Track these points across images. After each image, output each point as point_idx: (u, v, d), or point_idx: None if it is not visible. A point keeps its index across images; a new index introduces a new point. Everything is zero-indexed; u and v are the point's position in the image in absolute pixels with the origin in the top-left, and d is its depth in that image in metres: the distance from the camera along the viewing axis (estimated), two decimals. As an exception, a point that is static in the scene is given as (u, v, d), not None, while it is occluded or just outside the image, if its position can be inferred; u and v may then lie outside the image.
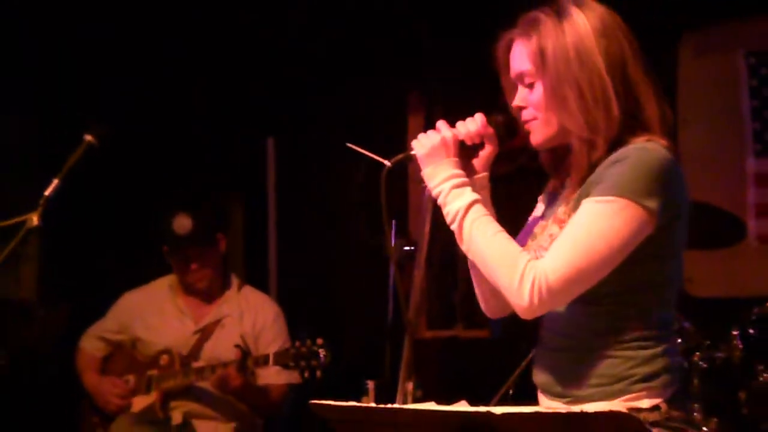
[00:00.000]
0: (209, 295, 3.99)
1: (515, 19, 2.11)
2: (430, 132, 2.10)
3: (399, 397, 2.00)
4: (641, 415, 1.92)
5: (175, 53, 5.05)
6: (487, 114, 2.12)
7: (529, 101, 2.07)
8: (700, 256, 4.42)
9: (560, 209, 2.09)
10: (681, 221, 2.02)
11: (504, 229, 2.03)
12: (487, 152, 2.13)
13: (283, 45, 5.09)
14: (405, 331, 2.07)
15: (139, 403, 3.87)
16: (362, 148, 2.41)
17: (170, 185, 4.97)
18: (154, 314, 3.98)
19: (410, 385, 2.01)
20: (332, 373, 3.57)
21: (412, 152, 2.10)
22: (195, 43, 5.05)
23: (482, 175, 2.13)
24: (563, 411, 1.66)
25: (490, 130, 2.11)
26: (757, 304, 3.56)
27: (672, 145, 2.01)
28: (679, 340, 3.52)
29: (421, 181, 2.10)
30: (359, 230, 4.93)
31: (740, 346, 3.50)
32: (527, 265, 1.94)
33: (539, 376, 2.13)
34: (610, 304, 1.99)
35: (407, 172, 4.35)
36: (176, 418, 3.82)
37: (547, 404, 2.08)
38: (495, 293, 2.15)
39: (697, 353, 3.54)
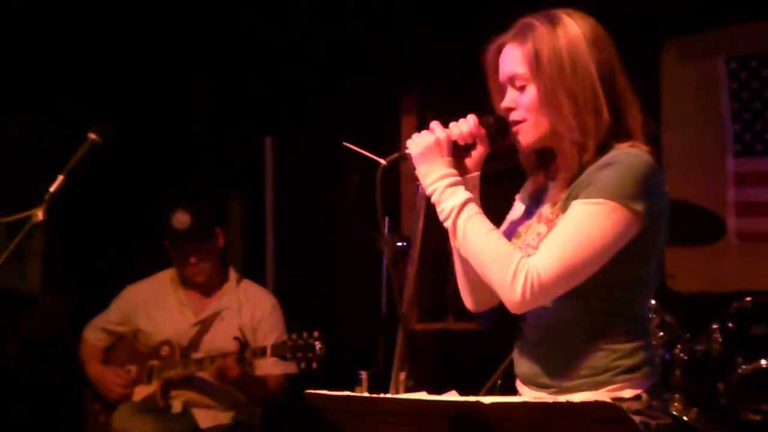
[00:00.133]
0: (208, 288, 3.99)
1: (506, 24, 2.12)
2: (424, 132, 2.10)
3: (392, 387, 2.00)
4: (624, 405, 1.94)
5: (175, 53, 5.01)
6: (479, 115, 2.13)
7: (520, 103, 2.08)
8: (682, 252, 4.43)
9: (546, 209, 2.10)
10: (662, 223, 2.05)
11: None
12: (478, 152, 2.14)
13: (283, 45, 5.05)
14: (398, 324, 2.08)
15: (141, 392, 3.87)
16: (358, 147, 2.41)
17: (170, 183, 4.97)
18: (156, 306, 3.98)
19: (403, 376, 2.02)
20: (327, 364, 3.58)
21: (407, 151, 2.10)
22: (195, 43, 5.01)
23: (474, 174, 2.14)
24: (550, 401, 1.67)
25: (482, 131, 2.12)
26: (735, 299, 3.57)
27: (653, 150, 2.04)
28: (662, 333, 3.53)
29: (415, 179, 2.10)
30: (355, 226, 4.93)
31: (720, 339, 3.51)
32: (520, 262, 1.96)
33: (523, 368, 2.14)
34: (595, 300, 2.01)
35: (400, 171, 4.38)
36: (176, 407, 3.82)
37: (532, 395, 2.09)
38: (477, 288, 2.18)
39: (679, 346, 3.55)
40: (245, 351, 3.66)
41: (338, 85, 5.11)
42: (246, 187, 5.46)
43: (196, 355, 3.83)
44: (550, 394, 2.04)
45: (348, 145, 2.40)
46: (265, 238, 5.32)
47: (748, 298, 3.55)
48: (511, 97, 2.09)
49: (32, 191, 2.69)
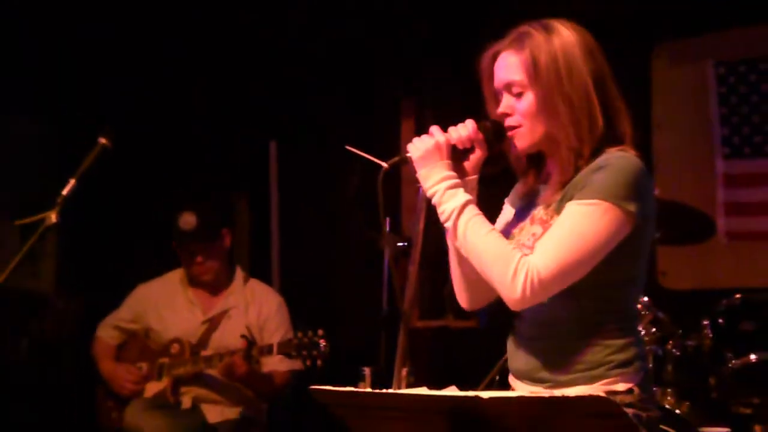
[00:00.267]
0: (216, 287, 3.99)
1: (502, 30, 2.12)
2: (424, 136, 2.11)
3: (394, 382, 2.01)
4: (617, 398, 1.95)
5: (175, 53, 4.96)
6: (477, 120, 2.14)
7: (516, 109, 2.08)
8: (674, 251, 4.44)
9: (540, 211, 2.11)
10: (651, 223, 2.06)
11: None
12: (476, 156, 2.14)
13: (283, 45, 5.00)
14: (399, 322, 2.08)
15: (152, 388, 3.87)
16: (360, 151, 2.42)
17: (177, 185, 4.96)
18: (166, 305, 3.99)
19: (404, 372, 2.02)
20: (331, 361, 3.58)
21: (408, 155, 2.11)
22: (195, 43, 4.94)
23: (472, 177, 2.14)
24: (546, 395, 1.67)
25: (480, 135, 2.12)
26: (725, 296, 3.56)
27: (641, 155, 2.05)
28: (654, 330, 3.53)
29: (415, 182, 2.11)
30: (356, 227, 4.92)
31: (710, 335, 3.51)
32: (520, 261, 1.96)
33: (518, 363, 2.14)
34: (589, 298, 2.02)
35: (401, 174, 4.37)
36: (186, 402, 3.83)
37: (527, 390, 2.09)
38: (471, 287, 2.20)
39: (671, 341, 3.55)
40: (252, 348, 3.67)
41: (339, 88, 5.08)
42: (252, 190, 5.46)
43: (204, 353, 3.83)
44: (546, 388, 2.05)
45: (351, 148, 2.40)
46: (270, 238, 5.31)
47: (738, 295, 3.54)
48: (507, 103, 2.10)
49: (32, 191, 2.68)
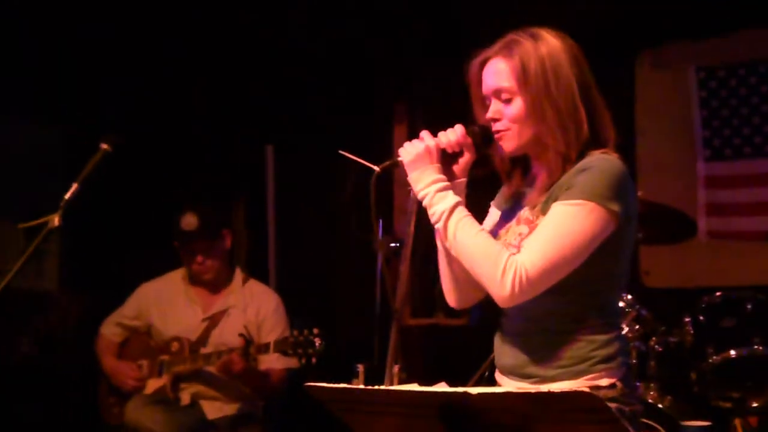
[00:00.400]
0: (216, 285, 3.99)
1: (489, 40, 2.13)
2: (414, 141, 2.12)
3: (386, 379, 2.01)
4: (601, 393, 1.95)
5: (175, 53, 4.91)
6: (465, 125, 2.14)
7: (505, 114, 2.09)
8: (656, 251, 4.45)
9: (525, 212, 2.12)
10: (633, 222, 2.07)
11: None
12: (465, 159, 2.15)
13: (283, 45, 4.96)
14: (391, 320, 2.08)
15: (152, 385, 3.87)
16: (353, 155, 2.42)
17: (179, 188, 4.95)
18: (168, 303, 3.99)
19: (396, 369, 2.02)
20: (327, 358, 3.58)
21: (399, 159, 2.12)
22: (195, 43, 4.89)
23: (461, 180, 2.15)
24: (532, 391, 1.68)
25: (469, 140, 2.13)
26: (706, 294, 3.58)
27: (623, 157, 2.06)
28: (638, 326, 3.54)
29: (407, 184, 2.11)
30: (350, 228, 4.92)
31: (691, 332, 3.52)
32: (508, 260, 1.97)
33: (505, 359, 2.15)
34: (574, 294, 2.03)
35: (392, 177, 4.38)
36: (185, 399, 3.82)
37: (513, 385, 2.10)
38: (460, 286, 2.20)
39: (654, 338, 3.56)
40: (250, 347, 3.67)
41: (337, 90, 5.06)
42: (249, 192, 5.45)
43: (204, 350, 3.82)
44: (532, 383, 2.05)
45: (344, 152, 2.40)
46: (267, 238, 5.31)
47: (718, 293, 3.56)
48: (495, 108, 2.11)
49: (32, 190, 2.66)
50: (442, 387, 1.87)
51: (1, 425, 4.34)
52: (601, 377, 2.02)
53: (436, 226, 2.07)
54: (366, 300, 4.17)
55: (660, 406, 3.32)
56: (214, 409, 3.83)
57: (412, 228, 2.13)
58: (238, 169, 5.34)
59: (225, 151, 5.26)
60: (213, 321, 3.92)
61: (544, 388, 1.90)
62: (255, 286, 4.04)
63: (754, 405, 3.42)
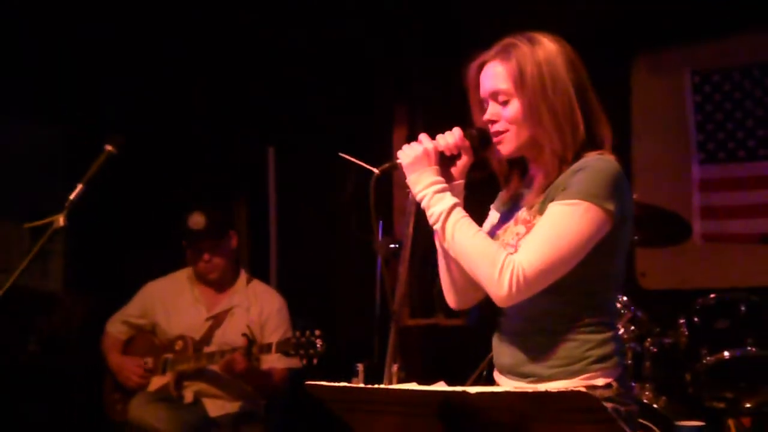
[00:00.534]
0: (221, 285, 3.99)
1: (487, 41, 2.13)
2: (413, 143, 2.12)
3: (385, 378, 2.01)
4: (597, 392, 1.96)
5: (175, 53, 4.88)
6: (463, 128, 2.14)
7: (503, 116, 2.10)
8: (652, 253, 4.45)
9: (523, 212, 2.12)
10: (628, 223, 2.06)
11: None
12: (463, 162, 2.15)
13: (283, 45, 4.94)
14: (391, 320, 2.08)
15: (156, 382, 3.87)
16: (353, 157, 2.41)
17: (180, 188, 4.95)
18: (173, 302, 3.99)
19: (395, 368, 2.02)
20: (326, 357, 3.58)
21: (398, 161, 2.12)
22: (195, 43, 4.86)
23: (459, 182, 2.15)
24: (530, 390, 1.67)
25: (467, 142, 2.14)
26: (700, 296, 3.57)
27: (619, 159, 2.06)
28: (633, 328, 3.53)
29: (405, 186, 2.11)
30: (350, 228, 4.92)
31: (686, 333, 3.52)
32: (506, 260, 1.97)
33: (503, 359, 2.15)
34: (571, 294, 2.02)
35: (392, 179, 4.37)
36: (188, 396, 3.82)
37: (509, 384, 2.10)
38: (459, 287, 2.20)
39: (649, 339, 3.56)
40: (252, 346, 3.66)
41: (337, 90, 5.05)
42: (251, 193, 5.45)
43: (207, 349, 3.82)
44: (529, 383, 2.05)
45: (344, 155, 2.40)
46: (269, 239, 5.31)
47: (712, 295, 3.56)
48: (493, 110, 2.11)
49: (32, 190, 2.65)
50: (440, 386, 1.87)
51: (6, 425, 4.34)
52: (597, 377, 2.01)
53: (434, 228, 2.07)
54: (366, 300, 4.16)
55: (655, 406, 3.31)
56: (217, 407, 3.82)
57: (410, 229, 2.13)
58: (239, 170, 5.33)
59: (225, 151, 5.25)
60: (217, 320, 3.92)
61: (541, 387, 1.89)
62: (259, 287, 4.05)
63: (748, 406, 3.42)
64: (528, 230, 2.04)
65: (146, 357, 3.94)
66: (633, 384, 3.32)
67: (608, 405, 1.86)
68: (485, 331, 2.30)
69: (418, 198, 2.08)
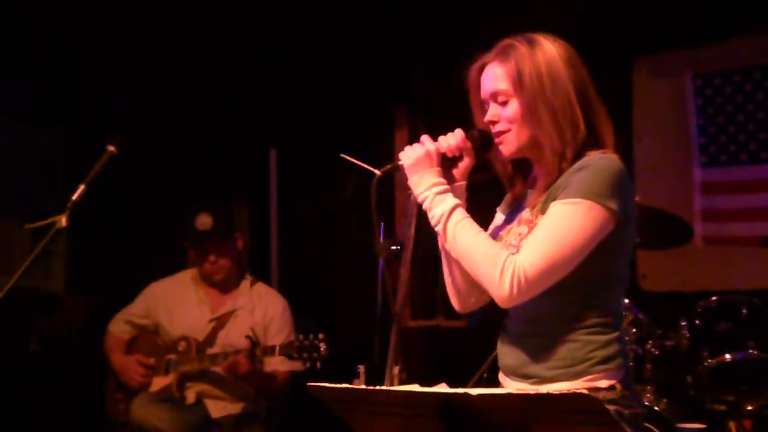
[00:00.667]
0: (225, 286, 3.99)
1: (488, 41, 2.13)
2: (415, 145, 2.12)
3: (387, 379, 2.00)
4: (600, 394, 1.95)
5: (175, 53, 4.87)
6: (465, 129, 2.14)
7: (503, 116, 2.10)
8: (653, 255, 4.44)
9: (526, 213, 2.12)
10: (632, 222, 2.05)
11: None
12: (465, 163, 2.15)
13: (283, 45, 4.93)
14: (392, 321, 2.07)
15: (158, 383, 3.87)
16: (355, 158, 2.41)
17: (181, 189, 4.95)
18: (176, 303, 3.99)
19: (396, 369, 2.01)
20: (327, 358, 3.57)
21: (400, 163, 2.12)
22: (195, 43, 4.85)
23: (460, 183, 2.15)
24: (532, 392, 1.67)
25: (468, 144, 2.13)
26: (702, 298, 3.57)
27: (622, 158, 2.05)
28: (634, 330, 3.53)
29: (407, 188, 2.11)
30: (351, 229, 4.91)
31: (687, 335, 3.51)
32: (507, 260, 1.96)
33: (506, 360, 2.14)
34: (574, 294, 2.01)
35: (394, 180, 4.37)
36: (190, 397, 3.82)
37: (513, 386, 2.09)
38: (463, 291, 2.19)
39: (650, 341, 3.55)
40: (256, 349, 3.66)
41: (338, 91, 5.05)
42: (252, 194, 5.44)
43: (210, 351, 3.82)
44: (532, 384, 2.04)
45: (345, 156, 2.40)
46: (270, 240, 5.31)
47: (714, 297, 3.55)
48: (493, 111, 2.11)
49: (32, 190, 2.65)
50: (442, 388, 1.86)
51: (7, 425, 4.34)
52: (600, 378, 2.00)
53: (436, 229, 2.07)
54: (367, 301, 4.16)
55: (656, 408, 3.31)
56: (219, 407, 3.82)
57: (412, 231, 2.13)
58: (239, 170, 5.33)
59: (226, 151, 5.25)
60: (220, 322, 3.92)
61: (543, 389, 1.89)
62: (263, 289, 4.05)
63: (749, 408, 3.41)
64: (530, 230, 2.03)
65: (149, 357, 3.94)
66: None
67: (611, 407, 1.86)
68: (487, 333, 2.30)
69: (419, 199, 2.08)
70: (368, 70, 5.05)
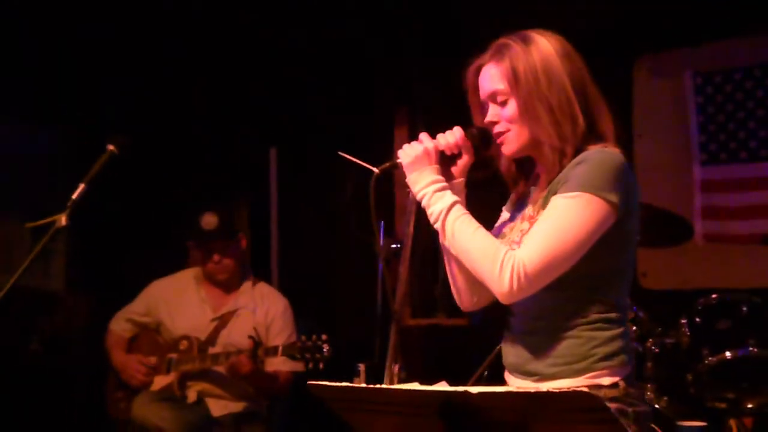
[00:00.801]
0: (228, 286, 4.00)
1: (488, 41, 2.13)
2: (413, 143, 2.11)
3: (386, 378, 2.00)
4: (602, 392, 1.93)
5: (175, 53, 4.86)
6: (464, 127, 2.14)
7: (502, 116, 2.09)
8: (653, 253, 4.44)
9: (528, 209, 2.11)
10: (634, 216, 2.04)
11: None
12: (464, 161, 2.14)
13: (283, 45, 4.92)
14: (392, 320, 2.07)
15: (159, 382, 3.87)
16: (354, 157, 2.41)
17: (181, 189, 4.94)
18: (178, 301, 3.99)
19: (396, 368, 2.01)
20: (330, 359, 3.57)
21: (398, 161, 2.11)
22: (195, 43, 4.84)
23: (459, 180, 2.14)
24: (532, 390, 1.66)
25: (467, 142, 2.13)
26: (702, 296, 3.56)
27: (624, 152, 2.04)
28: (635, 328, 3.53)
29: (406, 186, 2.10)
30: (351, 228, 4.91)
31: (688, 333, 3.51)
32: (506, 255, 1.95)
33: (509, 358, 2.13)
34: (575, 290, 2.00)
35: (393, 178, 4.37)
36: (191, 396, 3.82)
37: (516, 383, 2.08)
38: (468, 288, 2.18)
39: (650, 339, 3.55)
40: (258, 349, 3.66)
41: (336, 92, 5.04)
42: (252, 194, 5.44)
43: (212, 350, 3.82)
44: (534, 381, 2.03)
45: (344, 155, 2.39)
46: (270, 239, 5.31)
47: (714, 295, 3.55)
48: (493, 112, 2.11)
49: (32, 190, 2.65)
50: (442, 386, 1.86)
51: (7, 425, 4.34)
52: (603, 376, 1.98)
53: (434, 226, 2.06)
54: (367, 300, 4.16)
55: (656, 406, 3.31)
56: (220, 406, 3.82)
57: (411, 229, 2.12)
58: (240, 170, 5.33)
59: (226, 151, 5.25)
60: (222, 321, 3.92)
61: (544, 386, 1.88)
62: (264, 289, 4.05)
63: (749, 406, 3.41)
64: (532, 226, 2.02)
65: (150, 356, 3.94)
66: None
67: (613, 405, 1.85)
68: (487, 332, 2.29)
69: (418, 197, 2.07)
70: (368, 70, 5.05)
